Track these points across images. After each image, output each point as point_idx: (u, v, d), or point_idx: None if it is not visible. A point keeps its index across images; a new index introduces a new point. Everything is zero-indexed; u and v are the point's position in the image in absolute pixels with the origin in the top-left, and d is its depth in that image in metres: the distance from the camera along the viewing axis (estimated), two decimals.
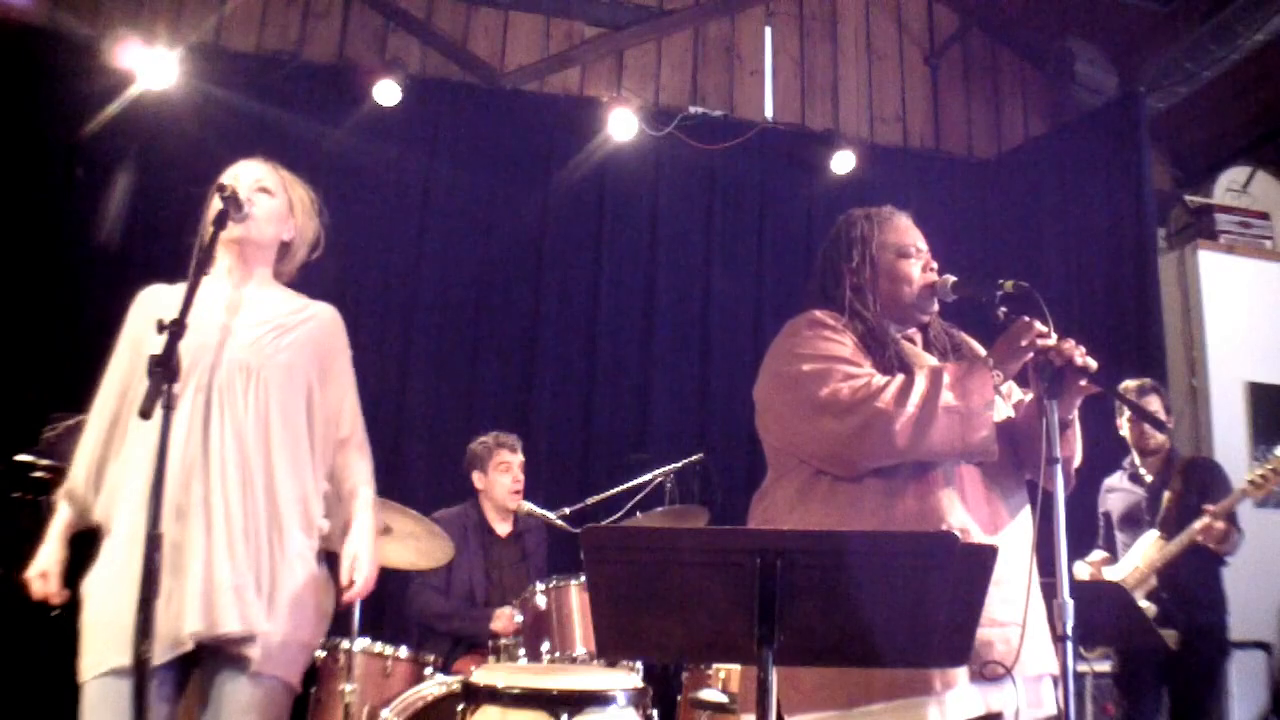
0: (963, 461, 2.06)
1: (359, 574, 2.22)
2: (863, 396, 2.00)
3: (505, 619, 3.75)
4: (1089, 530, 4.16)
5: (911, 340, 2.28)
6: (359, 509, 2.28)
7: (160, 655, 1.92)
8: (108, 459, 2.13)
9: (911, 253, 2.26)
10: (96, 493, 2.12)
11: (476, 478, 4.21)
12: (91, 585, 2.05)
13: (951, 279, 2.22)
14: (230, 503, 2.05)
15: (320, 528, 2.22)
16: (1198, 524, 3.71)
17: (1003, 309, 2.09)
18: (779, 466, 2.20)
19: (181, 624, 1.96)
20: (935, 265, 2.26)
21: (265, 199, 2.28)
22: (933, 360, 2.21)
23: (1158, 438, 4.03)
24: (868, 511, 2.02)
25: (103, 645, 1.97)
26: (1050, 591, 1.89)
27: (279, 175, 2.37)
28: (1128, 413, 4.04)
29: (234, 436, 2.08)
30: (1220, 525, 3.69)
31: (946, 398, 1.98)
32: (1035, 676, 2.03)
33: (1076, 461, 2.15)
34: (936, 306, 2.26)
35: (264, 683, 2.05)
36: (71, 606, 2.07)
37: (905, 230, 2.29)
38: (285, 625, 2.07)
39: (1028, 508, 2.14)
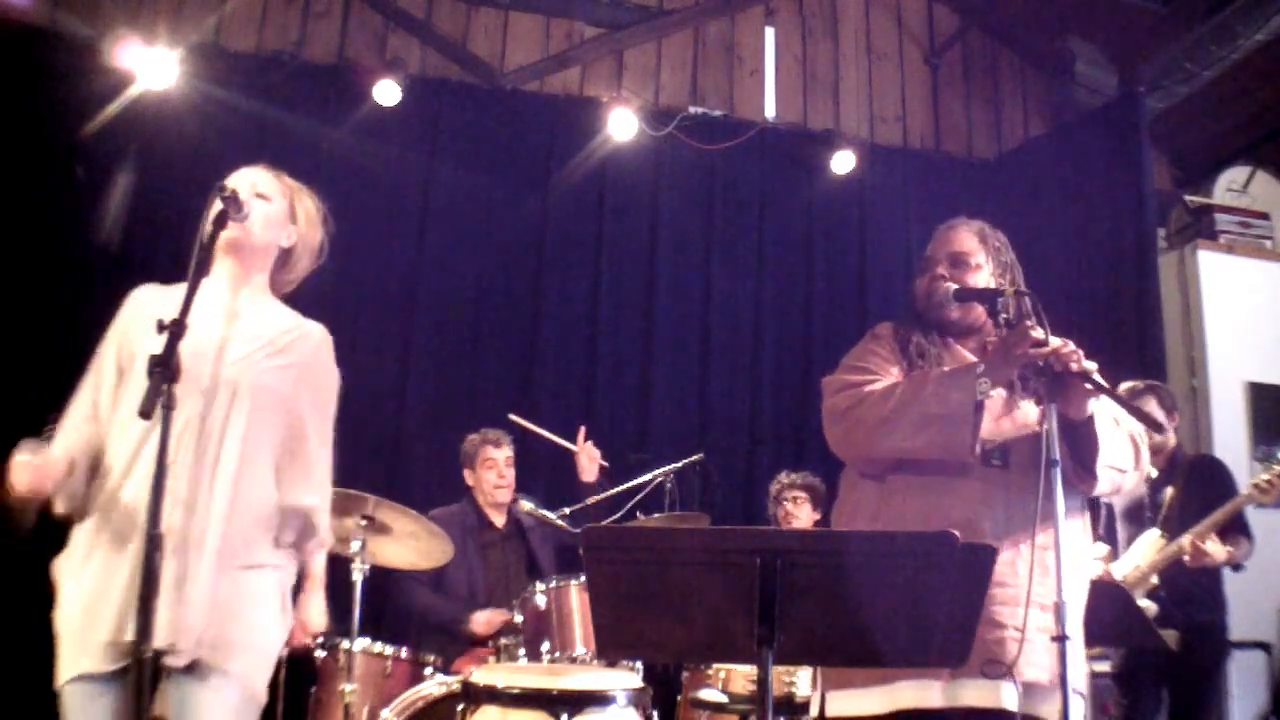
0: (975, 463, 2.10)
1: (313, 627, 2.46)
2: (852, 403, 2.19)
3: (484, 623, 3.79)
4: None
5: (985, 350, 2.30)
6: (314, 558, 2.37)
7: (113, 661, 1.93)
8: (80, 452, 2.10)
9: (927, 266, 2.34)
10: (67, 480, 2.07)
11: (467, 475, 4.29)
12: (62, 589, 2.04)
13: (953, 286, 2.25)
14: (197, 515, 2.03)
15: (284, 547, 2.21)
16: (1185, 540, 3.70)
17: (1004, 315, 2.14)
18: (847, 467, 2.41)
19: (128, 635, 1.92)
20: (945, 273, 2.29)
21: (261, 204, 2.25)
22: None
23: (1155, 438, 4.03)
24: (893, 511, 2.15)
25: (72, 651, 1.98)
26: (1098, 599, 1.93)
27: (282, 182, 2.34)
28: None
29: (213, 451, 2.07)
30: (1211, 551, 3.67)
31: (924, 403, 2.08)
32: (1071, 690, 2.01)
33: (1106, 458, 2.15)
34: (956, 313, 2.29)
35: (226, 686, 2.02)
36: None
37: (937, 243, 2.37)
38: (241, 639, 2.04)
39: (1079, 517, 2.18)
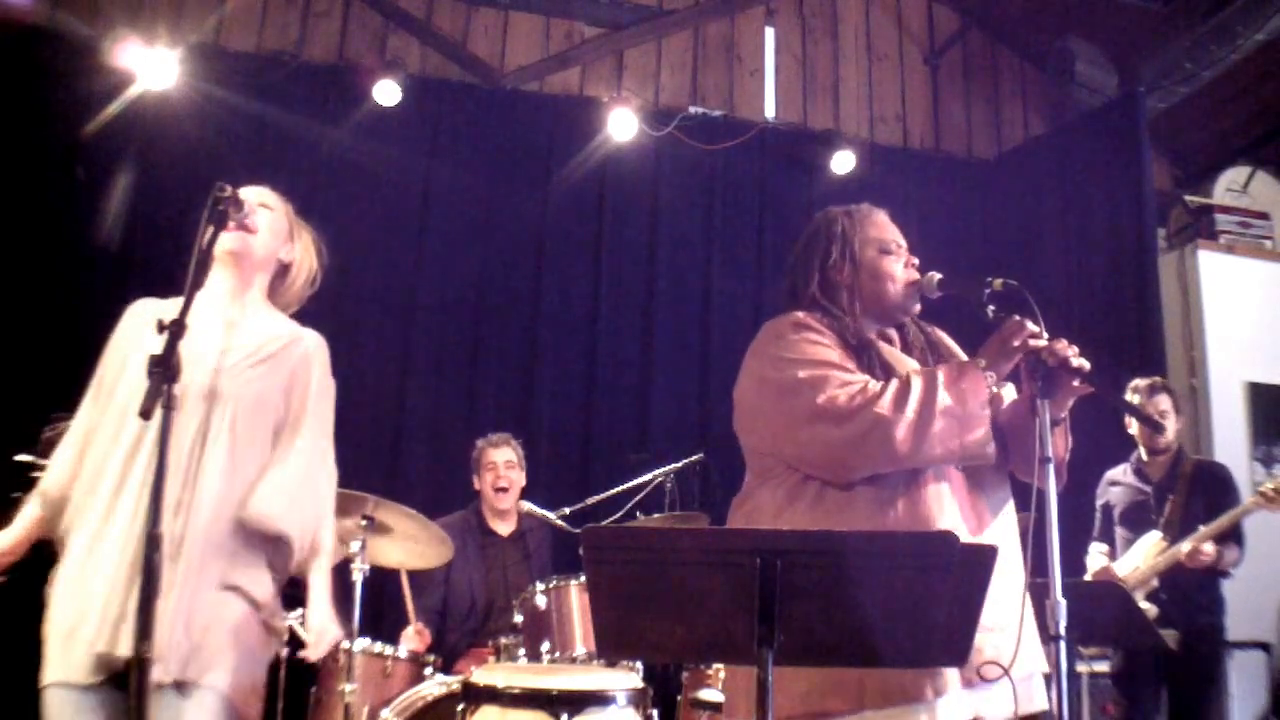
0: (959, 464, 2.04)
1: (322, 644, 2.22)
2: (861, 403, 1.96)
3: (410, 639, 3.76)
4: (1083, 525, 4.16)
5: (889, 340, 2.23)
6: (316, 571, 2.22)
7: (96, 673, 1.92)
8: (80, 470, 2.11)
9: (893, 249, 2.22)
10: (67, 502, 2.10)
11: (475, 480, 4.28)
12: (54, 592, 2.04)
13: (937, 276, 2.18)
14: (179, 526, 2.01)
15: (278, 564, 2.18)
16: (1185, 546, 3.72)
17: (991, 308, 2.04)
18: (763, 470, 2.19)
19: (120, 645, 1.91)
20: (916, 262, 2.22)
21: (265, 213, 2.29)
22: (911, 361, 2.17)
23: (1155, 438, 4.03)
24: (860, 517, 1.98)
25: (57, 656, 1.97)
26: (1043, 591, 1.87)
27: (285, 202, 2.38)
28: None
29: (197, 461, 2.05)
30: (1208, 552, 3.69)
31: (943, 401, 1.94)
32: (1025, 676, 1.98)
33: (1064, 457, 2.11)
34: (918, 306, 2.22)
35: (206, 699, 2.00)
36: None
37: (885, 226, 2.26)
38: (219, 655, 2.02)
39: (1010, 506, 2.12)
